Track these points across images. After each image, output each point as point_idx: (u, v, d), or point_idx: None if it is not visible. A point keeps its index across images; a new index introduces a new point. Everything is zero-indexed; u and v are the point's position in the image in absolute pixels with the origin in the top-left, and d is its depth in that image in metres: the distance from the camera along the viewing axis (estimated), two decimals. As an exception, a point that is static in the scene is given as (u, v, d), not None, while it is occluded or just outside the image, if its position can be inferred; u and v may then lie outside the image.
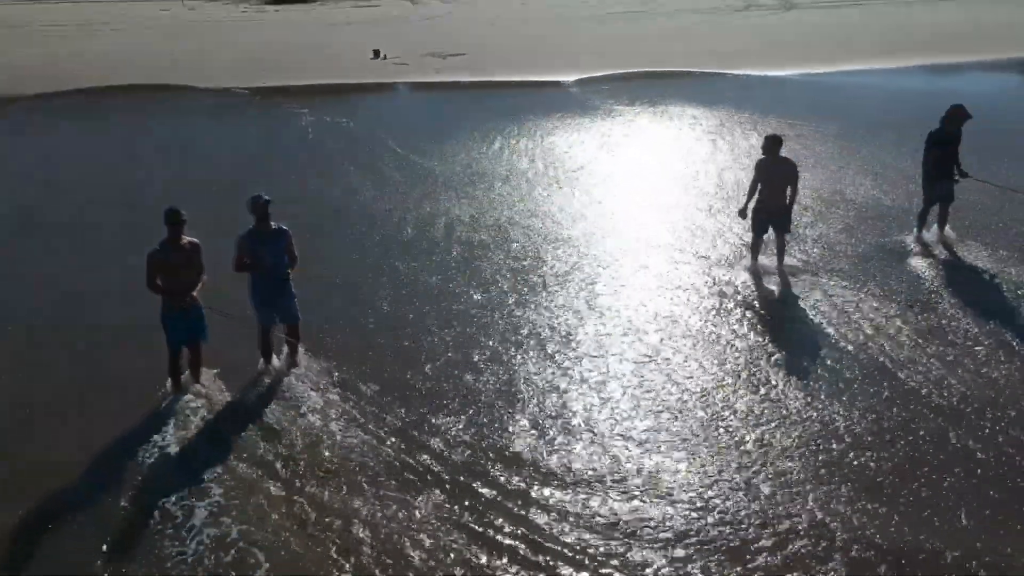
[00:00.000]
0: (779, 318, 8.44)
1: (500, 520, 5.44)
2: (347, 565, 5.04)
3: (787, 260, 9.52)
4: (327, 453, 6.16)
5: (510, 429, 6.44)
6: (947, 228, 10.27)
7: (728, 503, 5.53)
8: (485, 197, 12.35)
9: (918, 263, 9.65)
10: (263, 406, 6.77)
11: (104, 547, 5.26)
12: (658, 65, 24.19)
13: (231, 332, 7.30)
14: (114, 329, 8.09)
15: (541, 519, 5.43)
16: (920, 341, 7.70)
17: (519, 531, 5.33)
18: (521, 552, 5.14)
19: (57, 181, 13.67)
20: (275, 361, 7.33)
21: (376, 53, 26.38)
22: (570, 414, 6.65)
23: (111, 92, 21.59)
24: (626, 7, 41.68)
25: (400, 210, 11.75)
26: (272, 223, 6.87)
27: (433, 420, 6.56)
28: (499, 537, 5.29)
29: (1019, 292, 8.77)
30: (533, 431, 6.42)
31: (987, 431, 6.30)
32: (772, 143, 9.19)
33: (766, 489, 5.67)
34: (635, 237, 10.50)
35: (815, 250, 9.99)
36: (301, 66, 24.84)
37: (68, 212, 11.95)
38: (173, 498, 5.68)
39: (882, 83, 21.71)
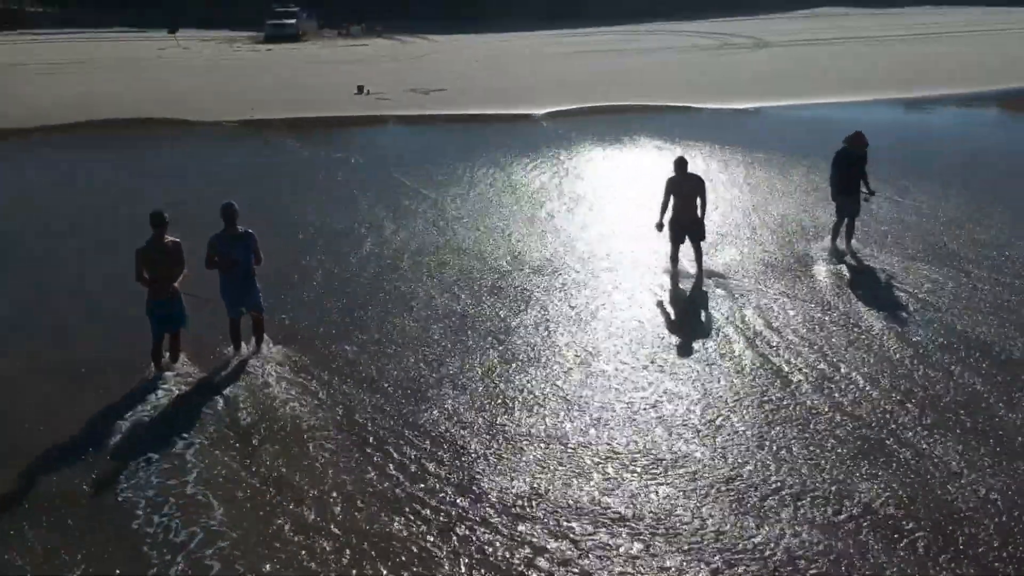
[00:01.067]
0: (690, 314, 9.60)
1: (427, 475, 6.53)
2: (292, 511, 6.09)
3: (708, 266, 10.69)
4: (281, 422, 7.24)
5: (429, 396, 7.55)
6: (853, 240, 11.48)
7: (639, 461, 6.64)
8: (455, 214, 13.54)
9: (824, 268, 10.83)
10: (229, 384, 7.85)
11: (86, 486, 6.33)
12: (629, 99, 25.67)
13: (207, 322, 8.41)
14: (114, 321, 9.19)
15: (465, 482, 6.52)
16: (806, 332, 8.84)
17: (443, 482, 6.42)
18: (439, 504, 6.23)
19: (58, 205, 14.84)
20: (243, 348, 8.43)
21: (360, 89, 27.80)
22: (506, 387, 7.76)
23: (111, 125, 22.89)
24: (607, 46, 43.60)
25: (370, 228, 12.89)
26: (239, 227, 8.03)
27: (372, 396, 7.66)
28: (423, 494, 6.37)
29: (907, 290, 9.94)
30: (464, 402, 7.53)
31: (848, 399, 7.43)
32: (680, 163, 10.49)
33: (662, 432, 6.77)
34: (584, 251, 11.63)
35: (736, 259, 11.16)
36: (290, 101, 26.24)
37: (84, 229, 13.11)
38: (147, 454, 6.74)
39: (832, 115, 23.11)
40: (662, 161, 15.46)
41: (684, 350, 8.50)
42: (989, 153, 18.06)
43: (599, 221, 13.14)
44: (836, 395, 7.48)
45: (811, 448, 6.65)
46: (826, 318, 9.17)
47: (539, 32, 51.47)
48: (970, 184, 14.78)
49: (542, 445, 6.78)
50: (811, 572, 5.28)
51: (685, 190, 10.35)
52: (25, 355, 8.55)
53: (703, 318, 9.39)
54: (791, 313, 9.29)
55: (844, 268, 10.85)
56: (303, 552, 5.59)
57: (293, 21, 49.11)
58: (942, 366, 8.00)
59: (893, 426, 6.95)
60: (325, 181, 16.21)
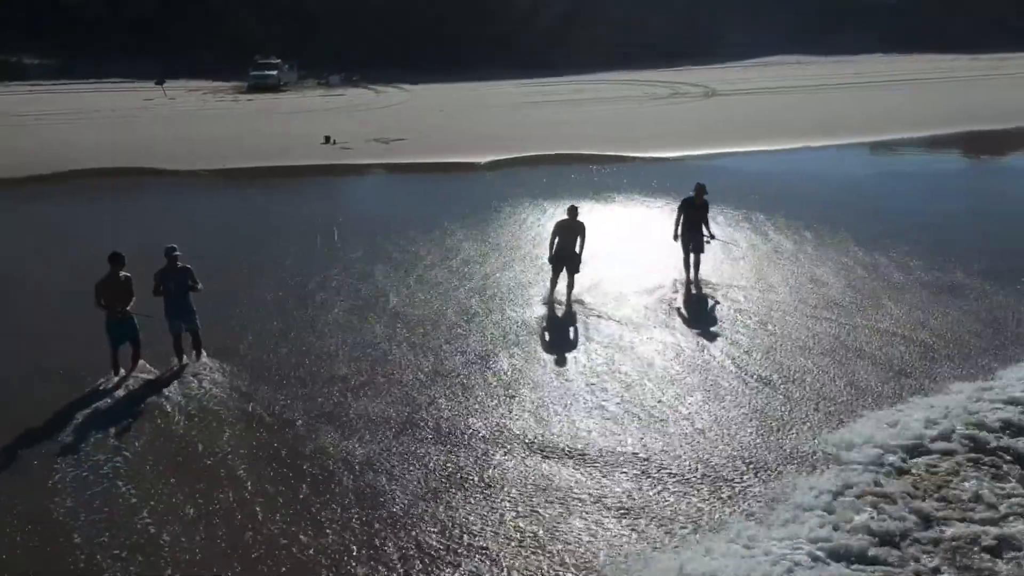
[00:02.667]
0: (556, 330, 12.03)
1: (310, 449, 8.90)
2: (204, 488, 8.44)
3: (577, 296, 13.12)
4: (204, 412, 9.60)
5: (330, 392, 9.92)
6: (700, 272, 13.97)
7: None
8: (372, 256, 16.01)
9: (669, 294, 13.31)
10: (170, 384, 10.22)
11: (38, 456, 8.68)
12: (569, 149, 28.38)
13: (157, 339, 10.77)
14: (85, 336, 11.53)
15: (344, 453, 8.90)
16: (638, 341, 11.28)
17: (325, 453, 8.79)
18: (312, 468, 8.60)
19: (40, 248, 17.26)
20: (184, 359, 10.79)
21: (327, 139, 30.45)
22: (384, 382, 10.16)
23: (93, 175, 25.39)
24: (567, 96, 46.60)
25: (302, 264, 15.33)
26: (179, 263, 10.45)
27: (276, 393, 10.04)
28: (311, 466, 8.75)
29: (735, 310, 12.42)
30: (368, 397, 9.90)
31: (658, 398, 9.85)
32: (571, 209, 13.00)
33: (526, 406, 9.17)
34: (478, 286, 14.06)
35: (598, 289, 13.61)
36: (261, 150, 28.84)
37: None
38: (99, 435, 9.09)
39: (745, 163, 25.82)
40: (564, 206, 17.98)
41: (555, 357, 10.94)
42: (862, 195, 20.68)
43: (505, 255, 15.60)
44: (624, 393, 9.92)
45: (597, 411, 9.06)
46: (655, 332, 11.62)
47: (508, 81, 54.56)
48: (816, 222, 17.32)
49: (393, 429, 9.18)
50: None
51: (568, 232, 12.80)
52: (22, 360, 10.91)
53: (570, 335, 11.80)
54: (635, 330, 11.75)
55: (688, 296, 13.33)
56: (199, 516, 7.93)
57: (275, 72, 52.15)
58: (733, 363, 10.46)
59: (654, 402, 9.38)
60: (261, 226, 18.68)
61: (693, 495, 7.76)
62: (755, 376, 10.31)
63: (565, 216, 13.00)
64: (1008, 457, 8.23)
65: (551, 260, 13.01)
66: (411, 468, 8.32)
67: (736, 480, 8.00)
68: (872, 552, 6.77)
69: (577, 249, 12.93)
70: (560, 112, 39.06)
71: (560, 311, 12.69)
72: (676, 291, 13.54)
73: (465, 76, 56.37)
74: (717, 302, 12.98)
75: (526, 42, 61.87)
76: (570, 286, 13.13)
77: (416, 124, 35.29)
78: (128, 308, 10.28)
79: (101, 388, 10.13)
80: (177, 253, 10.49)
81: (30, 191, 23.31)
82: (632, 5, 65.47)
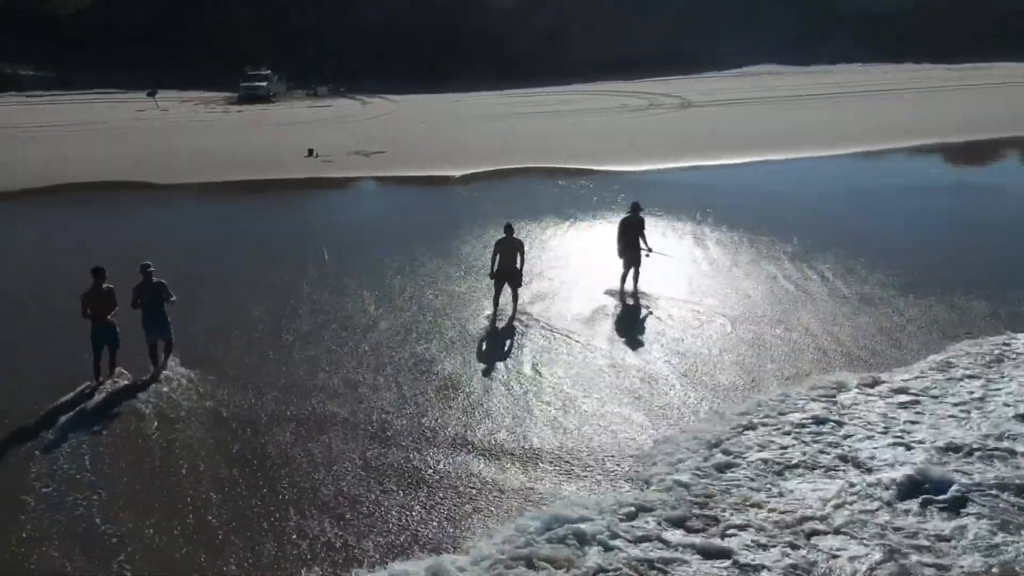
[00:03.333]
0: (494, 339, 13.29)
1: (261, 445, 10.15)
2: (168, 480, 9.69)
3: (523, 308, 14.36)
4: (172, 413, 10.85)
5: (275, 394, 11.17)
6: (638, 283, 15.23)
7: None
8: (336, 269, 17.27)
9: (611, 304, 14.58)
10: (145, 389, 11.45)
11: (22, 451, 9.93)
12: (541, 162, 29.69)
13: (136, 347, 12.01)
14: (72, 343, 12.76)
15: (288, 448, 10.16)
16: (577, 352, 12.56)
17: (274, 444, 10.05)
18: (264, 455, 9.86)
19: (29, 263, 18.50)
20: (160, 364, 12.03)
21: (310, 152, 31.73)
22: (333, 382, 11.42)
23: (86, 188, 26.63)
24: (547, 107, 47.97)
25: (272, 278, 16.57)
26: (153, 278, 11.69)
27: (237, 397, 11.30)
28: (271, 465, 10.01)
29: (663, 320, 13.69)
30: (320, 400, 11.16)
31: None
32: (507, 228, 14.21)
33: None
34: (430, 302, 15.33)
35: (543, 301, 14.88)
36: (248, 163, 30.10)
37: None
38: (80, 433, 10.33)
39: (705, 177, 27.13)
40: (522, 221, 19.28)
41: (486, 365, 12.21)
42: (807, 210, 21.98)
43: (460, 270, 16.87)
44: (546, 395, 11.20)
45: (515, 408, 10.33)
46: (586, 339, 12.91)
47: (492, 92, 55.96)
48: (756, 235, 18.62)
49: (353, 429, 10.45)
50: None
51: (508, 249, 14.01)
52: (11, 363, 12.15)
53: (507, 346, 13.05)
54: (569, 339, 13.03)
55: (628, 306, 14.59)
56: (156, 502, 9.18)
57: (264, 84, 53.49)
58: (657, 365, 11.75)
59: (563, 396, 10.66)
60: (238, 242, 19.94)
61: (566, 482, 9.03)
62: (661, 378, 11.60)
63: (503, 235, 14.22)
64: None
65: (492, 276, 14.21)
66: (352, 463, 9.58)
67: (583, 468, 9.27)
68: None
69: (517, 265, 14.15)
70: (536, 124, 40.38)
71: (502, 323, 13.93)
72: (615, 302, 14.80)
73: (450, 87, 57.75)
74: (650, 312, 14.25)
75: (511, 53, 63.25)
76: (515, 299, 14.33)
77: (398, 136, 36.61)
78: (110, 317, 11.53)
79: (85, 392, 11.36)
80: (151, 269, 11.73)
81: (24, 204, 24.53)
82: (617, 17, 66.92)
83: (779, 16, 71.93)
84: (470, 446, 9.87)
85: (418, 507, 8.66)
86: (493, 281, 14.16)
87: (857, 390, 11.07)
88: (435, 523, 8.40)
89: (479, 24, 63.99)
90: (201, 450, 9.88)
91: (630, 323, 13.89)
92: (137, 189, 26.47)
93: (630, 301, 14.84)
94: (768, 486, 8.82)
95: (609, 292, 15.20)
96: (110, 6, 62.84)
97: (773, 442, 9.73)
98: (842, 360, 12.23)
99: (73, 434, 10.26)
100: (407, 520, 8.46)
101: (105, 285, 11.56)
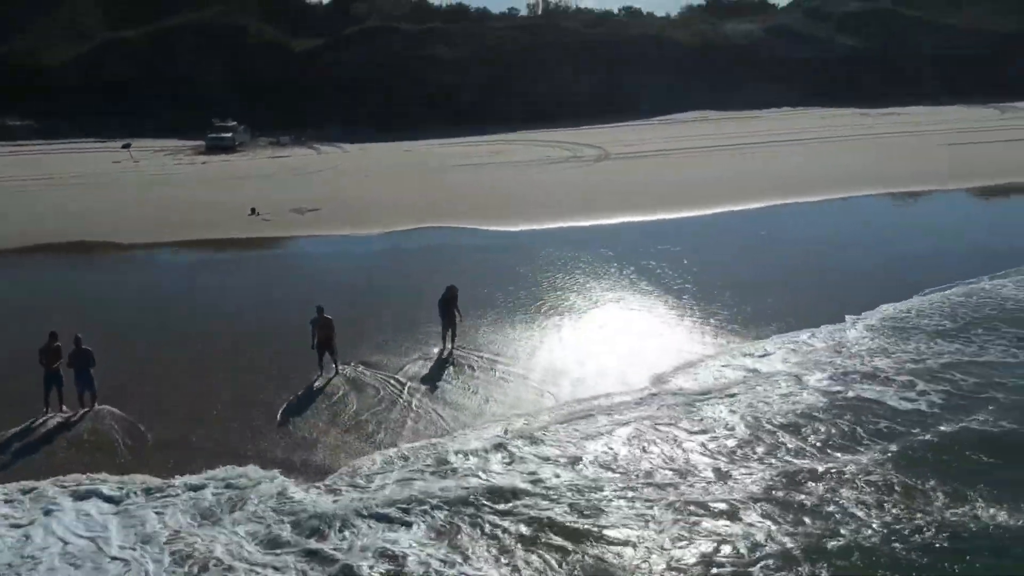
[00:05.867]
0: (315, 392, 18.45)
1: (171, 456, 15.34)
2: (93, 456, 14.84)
3: (364, 359, 19.52)
4: (101, 440, 15.99)
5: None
6: (456, 342, 20.41)
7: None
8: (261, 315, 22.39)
9: (433, 357, 19.75)
10: (81, 421, 16.56)
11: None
12: (452, 221, 34.97)
13: (72, 393, 17.10)
14: (30, 384, 17.83)
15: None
16: (421, 389, 17.76)
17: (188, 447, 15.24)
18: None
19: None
20: (86, 406, 17.15)
21: (252, 210, 36.96)
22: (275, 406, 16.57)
23: (54, 249, 31.78)
24: (484, 158, 53.46)
25: (188, 334, 21.68)
26: (83, 346, 16.83)
27: (150, 428, 16.44)
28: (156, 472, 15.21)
29: (467, 366, 18.88)
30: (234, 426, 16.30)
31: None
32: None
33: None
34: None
35: (382, 351, 20.03)
36: (197, 222, 35.31)
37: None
38: (32, 454, 15.44)
39: (593, 235, 32.41)
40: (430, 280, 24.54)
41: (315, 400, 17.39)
42: (668, 270, 27.22)
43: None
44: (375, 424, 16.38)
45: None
46: (405, 378, 18.12)
47: (439, 140, 61.56)
48: (592, 299, 23.83)
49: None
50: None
51: (323, 326, 18.94)
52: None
53: (451, 374, 18.16)
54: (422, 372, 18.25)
55: (448, 360, 19.75)
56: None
57: (230, 135, 58.97)
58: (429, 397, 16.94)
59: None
60: (171, 301, 25.12)
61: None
62: (449, 403, 16.77)
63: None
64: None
65: (312, 347, 18.48)
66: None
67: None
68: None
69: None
70: (464, 177, 45.82)
71: (324, 381, 19.11)
72: (439, 353, 19.95)
73: (403, 135, 63.28)
74: (454, 364, 19.45)
75: (460, 102, 68.98)
76: (334, 361, 18.98)
77: (337, 191, 41.95)
78: (56, 366, 16.72)
79: (36, 420, 16.49)
80: (80, 337, 16.91)
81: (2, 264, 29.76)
82: (556, 67, 72.86)
83: (712, 61, 77.94)
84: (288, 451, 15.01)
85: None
86: (315, 351, 18.86)
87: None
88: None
89: (431, 76, 69.76)
90: (114, 464, 15.03)
91: (442, 370, 19.04)
92: (102, 250, 31.65)
93: (445, 354, 19.96)
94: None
95: (436, 347, 20.40)
96: (91, 59, 68.45)
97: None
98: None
99: (26, 454, 15.40)
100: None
101: (56, 344, 16.76)
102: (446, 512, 12.87)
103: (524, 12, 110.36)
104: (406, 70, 70.00)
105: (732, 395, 16.98)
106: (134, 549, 12.10)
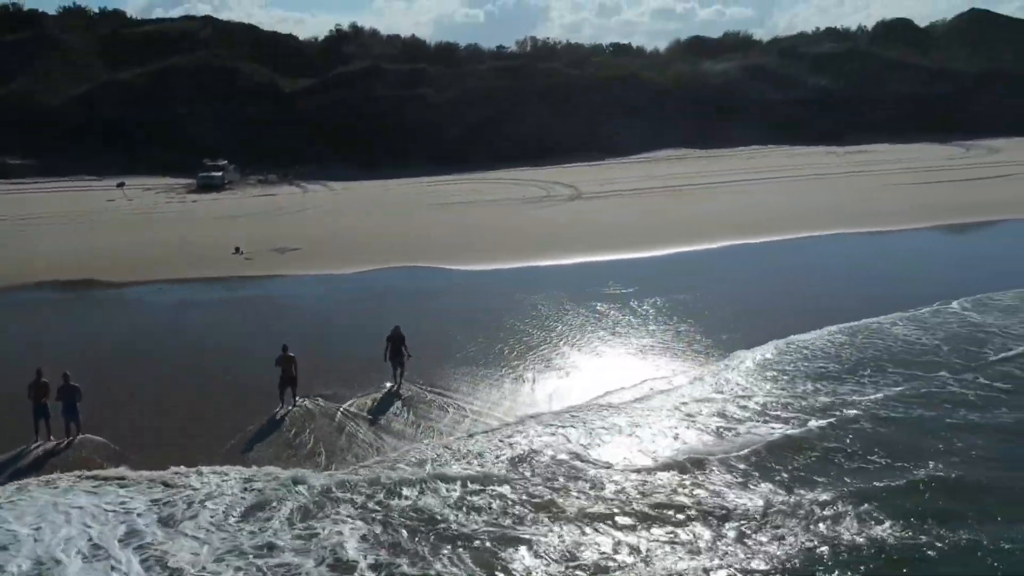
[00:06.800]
0: (280, 424, 20.72)
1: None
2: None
3: (321, 392, 21.83)
4: (81, 465, 18.25)
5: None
6: (403, 378, 22.67)
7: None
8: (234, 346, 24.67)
9: (384, 391, 22.03)
10: (67, 448, 18.81)
11: None
12: (424, 260, 37.42)
13: (59, 423, 19.35)
14: (23, 414, 20.06)
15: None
16: (368, 418, 20.04)
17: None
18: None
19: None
20: (72, 436, 19.40)
21: (236, 249, 39.40)
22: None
23: (48, 287, 34.13)
24: (462, 196, 56.11)
25: (164, 370, 23.96)
26: (70, 382, 19.13)
27: (117, 446, 18.70)
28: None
29: (413, 400, 21.17)
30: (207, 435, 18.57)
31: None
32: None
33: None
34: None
35: (344, 383, 22.31)
36: (183, 261, 37.73)
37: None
38: (23, 476, 17.70)
39: (527, 274, 34.84)
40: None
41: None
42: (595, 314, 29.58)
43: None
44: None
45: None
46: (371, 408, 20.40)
47: (423, 179, 64.36)
48: (527, 340, 26.17)
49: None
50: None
51: (285, 362, 21.36)
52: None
53: (397, 407, 20.45)
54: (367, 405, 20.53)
55: (395, 393, 22.05)
56: (63, 502, 16.59)
57: (220, 174, 61.79)
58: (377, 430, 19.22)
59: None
60: (158, 340, 27.44)
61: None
62: (390, 431, 19.03)
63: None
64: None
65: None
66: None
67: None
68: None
69: (293, 373, 21.51)
70: (439, 216, 48.43)
71: (287, 410, 21.41)
72: (389, 388, 22.25)
73: (388, 173, 66.08)
74: (402, 398, 21.73)
75: (445, 141, 71.92)
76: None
77: (318, 230, 44.45)
78: (45, 400, 19.02)
79: (28, 448, 18.74)
80: (67, 374, 19.21)
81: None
82: (539, 109, 75.98)
83: (685, 104, 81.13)
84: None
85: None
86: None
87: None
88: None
89: (417, 116, 72.79)
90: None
91: (389, 404, 21.34)
92: (92, 286, 34.04)
93: (395, 388, 22.23)
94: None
95: (388, 383, 22.69)
96: (90, 99, 71.41)
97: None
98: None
99: (17, 475, 17.65)
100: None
101: (43, 379, 19.08)
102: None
103: (514, 48, 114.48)
104: (393, 110, 73.02)
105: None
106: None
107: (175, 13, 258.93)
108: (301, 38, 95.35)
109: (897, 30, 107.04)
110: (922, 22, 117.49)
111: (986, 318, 26.06)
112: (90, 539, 14.72)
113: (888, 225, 44.69)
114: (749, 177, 62.27)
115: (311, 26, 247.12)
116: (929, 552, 13.73)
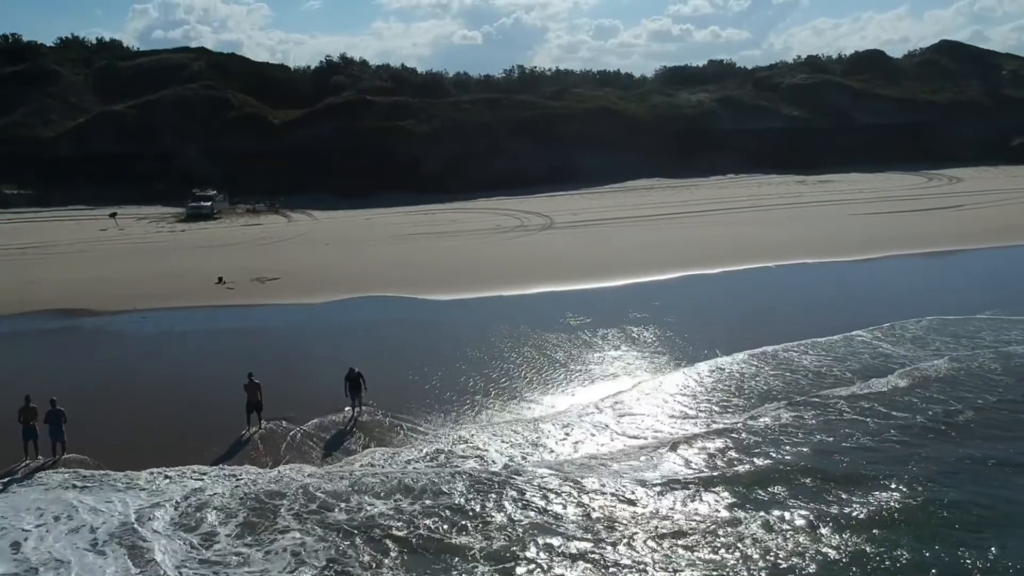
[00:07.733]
0: (244, 443, 22.99)
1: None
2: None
3: (295, 416, 24.09)
4: (66, 480, 20.50)
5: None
6: (362, 406, 24.92)
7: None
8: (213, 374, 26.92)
9: (343, 420, 24.31)
10: (53, 466, 21.04)
11: None
12: (395, 290, 39.77)
13: (46, 443, 21.58)
14: (13, 437, 22.25)
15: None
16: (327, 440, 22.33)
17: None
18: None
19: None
20: (57, 455, 21.63)
21: (220, 279, 41.74)
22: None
23: (40, 316, 36.37)
24: (439, 226, 58.61)
25: (144, 397, 26.22)
26: (56, 407, 21.39)
27: (99, 468, 20.94)
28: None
29: (372, 430, 23.46)
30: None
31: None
32: (250, 375, 23.87)
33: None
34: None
35: (292, 411, 24.60)
36: (168, 290, 40.03)
37: None
38: (11, 492, 19.94)
39: (512, 305, 37.20)
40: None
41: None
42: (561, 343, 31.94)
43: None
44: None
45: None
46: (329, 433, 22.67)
47: (402, 208, 66.93)
48: (486, 371, 28.49)
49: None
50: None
51: (251, 389, 23.63)
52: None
53: (351, 429, 22.72)
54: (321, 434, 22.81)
55: (351, 420, 24.34)
56: (49, 513, 18.85)
57: (209, 203, 64.34)
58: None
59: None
60: (139, 367, 29.72)
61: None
62: (341, 448, 21.30)
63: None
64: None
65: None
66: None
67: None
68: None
69: (260, 398, 23.73)
70: (414, 245, 50.87)
71: (252, 430, 23.68)
72: (350, 418, 24.49)
73: (371, 202, 68.69)
74: (351, 429, 23.99)
75: (426, 172, 74.67)
76: (259, 419, 23.64)
77: (298, 260, 46.85)
78: (33, 423, 21.28)
79: (18, 466, 20.97)
80: (54, 399, 21.50)
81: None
82: (516, 140, 78.89)
83: (659, 134, 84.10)
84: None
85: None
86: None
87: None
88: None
89: (399, 147, 75.58)
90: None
91: (346, 434, 23.62)
92: (83, 315, 36.33)
93: (357, 417, 24.53)
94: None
95: (347, 407, 24.95)
96: (84, 131, 74.08)
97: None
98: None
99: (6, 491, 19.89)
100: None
101: (31, 405, 21.38)
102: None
103: (502, 74, 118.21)
104: (376, 141, 75.77)
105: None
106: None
107: (175, 34, 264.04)
108: (292, 67, 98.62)
109: (869, 61, 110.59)
110: (924, 43, 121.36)
111: (897, 349, 28.61)
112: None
113: (841, 255, 47.19)
114: (718, 207, 64.88)
115: (310, 47, 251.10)
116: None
